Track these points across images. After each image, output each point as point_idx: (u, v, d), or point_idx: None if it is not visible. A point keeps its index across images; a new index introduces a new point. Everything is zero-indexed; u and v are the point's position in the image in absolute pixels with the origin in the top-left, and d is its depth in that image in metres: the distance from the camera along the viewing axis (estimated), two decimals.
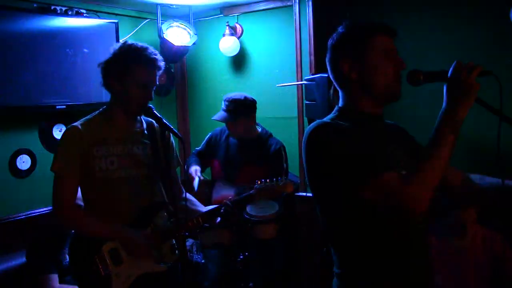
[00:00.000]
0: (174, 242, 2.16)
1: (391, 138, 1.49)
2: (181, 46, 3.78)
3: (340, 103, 1.51)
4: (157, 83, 2.11)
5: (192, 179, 3.02)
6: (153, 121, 2.15)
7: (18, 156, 3.16)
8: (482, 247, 2.45)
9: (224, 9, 3.96)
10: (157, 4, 3.71)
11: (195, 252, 3.25)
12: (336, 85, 1.52)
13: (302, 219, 3.52)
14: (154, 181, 2.17)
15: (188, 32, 3.83)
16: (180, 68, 4.33)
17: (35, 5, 3.14)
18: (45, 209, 3.17)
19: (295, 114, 3.65)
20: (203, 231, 2.97)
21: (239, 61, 4.00)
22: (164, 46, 3.72)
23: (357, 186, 1.30)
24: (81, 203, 2.16)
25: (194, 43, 3.84)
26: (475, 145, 2.78)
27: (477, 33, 2.98)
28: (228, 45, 3.81)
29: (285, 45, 3.71)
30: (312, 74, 3.38)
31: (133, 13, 3.86)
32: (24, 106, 3.06)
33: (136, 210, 2.09)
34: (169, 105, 4.27)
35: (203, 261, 3.17)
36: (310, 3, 3.48)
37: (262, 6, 3.78)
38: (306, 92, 3.29)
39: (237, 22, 3.91)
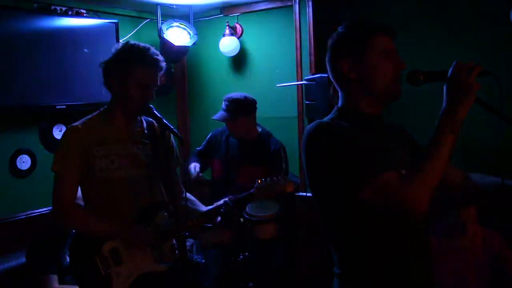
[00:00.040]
0: (174, 242, 2.16)
1: (391, 138, 1.49)
2: (181, 46, 3.79)
3: (340, 103, 1.51)
4: (159, 83, 2.11)
5: (190, 173, 3.05)
6: (153, 121, 2.15)
7: (18, 156, 3.16)
8: (482, 247, 2.45)
9: (224, 9, 3.96)
10: (157, 4, 3.71)
11: (195, 252, 3.25)
12: (335, 85, 1.52)
13: (302, 219, 3.52)
14: (154, 181, 2.17)
15: (188, 32, 3.83)
16: (180, 68, 4.33)
17: (35, 5, 3.14)
18: (45, 209, 3.18)
19: (295, 114, 3.65)
20: (203, 231, 2.97)
21: (239, 61, 3.99)
22: (164, 46, 3.72)
23: (357, 186, 1.30)
24: (81, 203, 2.15)
25: (194, 43, 3.84)
26: (475, 145, 2.78)
27: (477, 33, 2.98)
28: (228, 45, 3.81)
29: (285, 45, 3.71)
30: (312, 74, 3.38)
31: (133, 13, 3.86)
32: (24, 106, 3.06)
33: (136, 210, 2.09)
34: (169, 105, 4.27)
35: (203, 261, 3.16)
36: (310, 3, 3.49)
37: (262, 6, 3.78)
38: (306, 92, 3.29)
39: (237, 22, 3.91)
